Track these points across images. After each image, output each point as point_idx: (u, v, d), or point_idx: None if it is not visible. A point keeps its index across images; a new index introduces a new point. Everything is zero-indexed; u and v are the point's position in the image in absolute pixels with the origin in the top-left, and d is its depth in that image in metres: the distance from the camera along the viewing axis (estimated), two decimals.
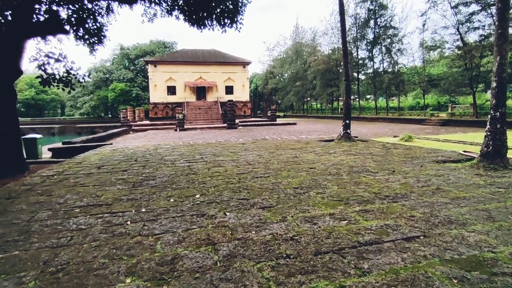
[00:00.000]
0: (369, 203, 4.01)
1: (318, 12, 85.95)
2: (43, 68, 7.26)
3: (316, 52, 44.36)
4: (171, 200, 4.45)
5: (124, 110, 31.31)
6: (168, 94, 33.67)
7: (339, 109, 40.13)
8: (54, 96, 65.26)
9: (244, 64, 35.67)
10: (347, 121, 11.55)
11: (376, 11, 30.33)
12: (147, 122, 30.97)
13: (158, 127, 26.54)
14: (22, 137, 13.09)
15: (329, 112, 43.60)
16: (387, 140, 12.42)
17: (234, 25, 9.47)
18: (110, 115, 58.63)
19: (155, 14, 10.67)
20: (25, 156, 12.36)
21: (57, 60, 7.47)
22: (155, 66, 33.40)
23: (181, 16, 10.13)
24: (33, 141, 12.45)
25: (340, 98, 37.61)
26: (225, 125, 24.88)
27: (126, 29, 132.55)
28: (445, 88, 25.14)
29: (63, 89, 7.71)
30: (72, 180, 6.03)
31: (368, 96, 41.32)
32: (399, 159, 7.37)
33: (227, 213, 3.78)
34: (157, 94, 33.32)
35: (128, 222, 3.59)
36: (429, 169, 6.12)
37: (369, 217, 3.50)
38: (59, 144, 13.98)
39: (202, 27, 9.97)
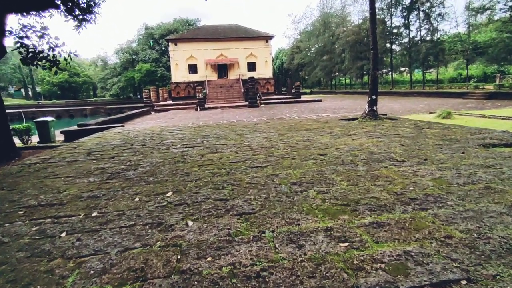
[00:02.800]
0: (386, 210, 2.90)
1: None
2: (24, 45, 6.53)
3: (345, 23, 41.17)
4: (136, 199, 3.62)
5: (146, 91, 31.18)
6: (189, 73, 32.95)
7: None
8: (86, 78, 67.43)
9: (267, 38, 33.79)
10: (373, 97, 10.05)
11: None
12: (170, 102, 30.71)
13: (180, 106, 26.11)
14: (34, 120, 13.08)
15: (359, 87, 40.96)
16: (421, 117, 10.78)
17: None
18: (138, 96, 59.56)
19: None
20: (39, 139, 12.47)
21: (41, 36, 6.74)
22: (176, 45, 32.59)
23: None
24: (44, 124, 12.28)
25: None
26: (247, 103, 23.86)
27: (151, 9, 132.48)
28: (494, 56, 22.02)
29: (50, 68, 7.02)
30: (49, 169, 5.42)
31: (402, 69, 38.01)
32: (434, 142, 6.00)
33: (190, 223, 2.87)
34: (179, 74, 32.73)
35: (63, 234, 2.80)
36: (473, 156, 4.77)
37: (382, 236, 2.41)
38: (73, 127, 13.82)
39: None
